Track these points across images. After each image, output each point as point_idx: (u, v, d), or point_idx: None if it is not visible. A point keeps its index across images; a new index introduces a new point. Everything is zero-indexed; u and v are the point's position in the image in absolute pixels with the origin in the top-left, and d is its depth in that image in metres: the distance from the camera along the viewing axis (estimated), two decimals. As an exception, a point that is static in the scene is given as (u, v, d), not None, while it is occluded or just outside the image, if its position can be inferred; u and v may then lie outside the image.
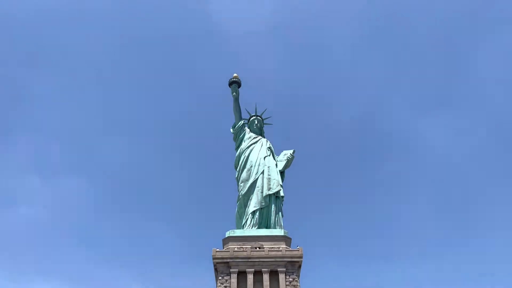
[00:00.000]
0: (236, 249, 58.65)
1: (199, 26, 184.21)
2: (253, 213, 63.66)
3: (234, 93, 71.32)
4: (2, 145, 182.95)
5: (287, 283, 56.25)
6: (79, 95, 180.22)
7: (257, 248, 58.88)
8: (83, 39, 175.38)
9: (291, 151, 70.21)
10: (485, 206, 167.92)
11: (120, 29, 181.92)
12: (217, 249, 59.51)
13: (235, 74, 71.90)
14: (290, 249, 59.54)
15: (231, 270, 56.89)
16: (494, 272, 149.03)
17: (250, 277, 56.22)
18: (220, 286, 56.48)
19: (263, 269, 56.82)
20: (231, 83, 71.71)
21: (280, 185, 65.63)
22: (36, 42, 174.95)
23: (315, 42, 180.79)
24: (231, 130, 72.81)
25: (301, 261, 58.37)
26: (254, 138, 70.94)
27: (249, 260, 57.47)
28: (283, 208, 66.06)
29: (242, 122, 72.52)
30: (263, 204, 63.95)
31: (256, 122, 72.78)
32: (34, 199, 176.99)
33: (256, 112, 73.80)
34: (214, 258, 58.23)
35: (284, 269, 56.91)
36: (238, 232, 62.29)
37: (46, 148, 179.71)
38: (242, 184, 66.19)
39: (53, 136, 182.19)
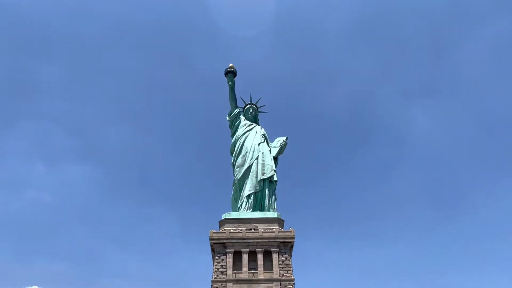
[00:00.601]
0: (232, 230, 60.83)
1: (198, 19, 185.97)
2: (248, 196, 65.77)
3: (230, 82, 72.40)
4: (10, 132, 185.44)
5: (280, 262, 58.58)
6: (83, 85, 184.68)
7: (252, 230, 60.91)
8: (89, 32, 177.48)
9: (284, 138, 71.72)
10: (470, 189, 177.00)
11: (123, 25, 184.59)
12: (214, 231, 61.40)
13: (230, 64, 72.84)
14: (283, 230, 61.69)
15: (227, 250, 59.13)
16: (476, 250, 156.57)
17: (245, 257, 58.59)
18: (217, 265, 58.79)
19: (257, 249, 59.10)
20: (227, 73, 72.69)
21: (274, 170, 67.65)
22: (44, 34, 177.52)
23: (310, 35, 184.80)
24: (227, 117, 74.09)
25: (293, 241, 60.60)
26: (249, 125, 72.36)
27: (244, 240, 59.54)
28: (276, 192, 68.13)
29: (238, 110, 73.91)
30: (258, 188, 66.00)
31: (251, 110, 74.02)
32: (39, 184, 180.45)
33: (251, 100, 74.99)
34: (211, 239, 60.19)
35: (277, 249, 59.22)
36: (234, 215, 64.44)
37: (51, 135, 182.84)
38: (237, 169, 68.01)
39: (58, 123, 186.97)
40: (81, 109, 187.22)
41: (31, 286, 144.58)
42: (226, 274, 57.57)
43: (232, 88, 73.04)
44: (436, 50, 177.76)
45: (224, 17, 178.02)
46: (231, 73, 72.63)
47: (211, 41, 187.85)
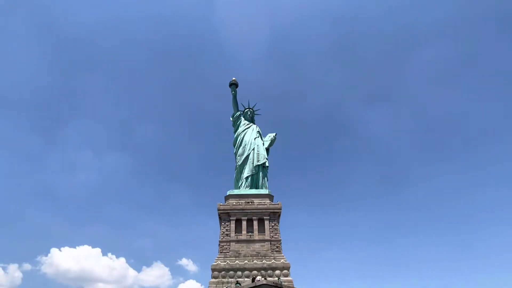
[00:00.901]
0: (234, 203, 69.53)
1: (209, 40, 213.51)
2: (247, 178, 74.39)
3: (233, 92, 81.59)
4: (64, 128, 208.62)
5: (270, 227, 67.84)
6: (120, 90, 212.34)
7: (249, 203, 69.75)
8: (123, 50, 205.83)
9: (274, 134, 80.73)
10: (410, 170, 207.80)
11: (151, 46, 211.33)
12: (221, 204, 69.96)
13: (233, 78, 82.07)
14: (273, 203, 70.37)
15: (230, 218, 67.93)
16: (413, 215, 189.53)
17: (244, 223, 67.69)
18: (223, 229, 67.85)
19: (253, 217, 68.05)
20: (230, 84, 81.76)
21: (266, 158, 76.62)
22: (87, 50, 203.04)
23: (294, 53, 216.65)
24: (231, 118, 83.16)
25: (280, 211, 69.29)
26: (248, 124, 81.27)
27: (243, 211, 68.39)
28: (268, 175, 76.83)
29: (239, 112, 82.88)
30: (254, 171, 74.90)
31: (249, 113, 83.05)
32: (88, 167, 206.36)
33: (249, 105, 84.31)
34: (218, 210, 68.91)
35: (268, 217, 68.32)
36: (236, 192, 72.51)
37: (96, 130, 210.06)
38: (238, 158, 76.77)
39: (101, 122, 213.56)
40: (118, 110, 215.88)
41: (82, 245, 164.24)
42: (230, 236, 66.16)
43: (234, 96, 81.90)
44: (388, 66, 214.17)
45: (230, 40, 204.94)
46: (233, 85, 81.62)
47: (219, 58, 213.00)
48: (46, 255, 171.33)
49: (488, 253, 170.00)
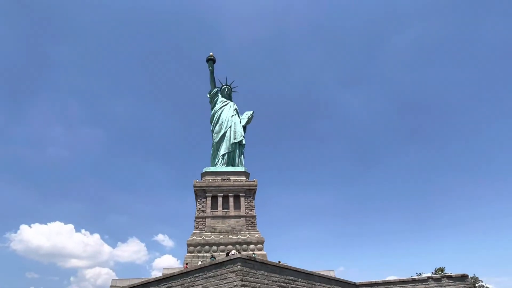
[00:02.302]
0: (210, 180, 70.52)
1: (187, 15, 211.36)
2: (223, 155, 75.31)
3: (210, 68, 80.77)
4: (32, 101, 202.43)
5: (246, 203, 69.37)
6: (93, 62, 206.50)
7: (225, 180, 70.79)
8: (99, 19, 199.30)
9: (251, 112, 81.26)
10: (383, 150, 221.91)
11: (130, 17, 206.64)
12: (197, 180, 70.73)
13: (211, 53, 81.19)
14: (249, 180, 71.99)
15: (206, 195, 68.87)
16: (385, 193, 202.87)
17: (220, 200, 68.77)
18: (199, 206, 68.55)
19: (229, 194, 69.25)
20: (207, 60, 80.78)
21: (243, 136, 77.37)
22: (58, 19, 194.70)
23: (273, 34, 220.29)
24: (208, 95, 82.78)
25: (256, 188, 71.17)
26: (225, 101, 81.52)
27: (220, 188, 69.45)
28: (244, 152, 78.00)
29: (216, 89, 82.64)
30: (230, 149, 75.64)
31: (226, 90, 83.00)
32: (58, 142, 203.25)
33: (226, 82, 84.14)
34: (194, 187, 69.57)
35: (244, 194, 69.84)
36: (212, 169, 73.52)
37: (67, 104, 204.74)
38: (215, 135, 77.27)
39: (72, 95, 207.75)
40: (91, 83, 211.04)
41: (54, 221, 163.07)
42: (206, 212, 67.08)
43: (212, 72, 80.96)
44: (363, 50, 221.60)
45: (208, 17, 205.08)
46: (211, 60, 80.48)
47: (197, 33, 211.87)
48: (15, 232, 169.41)
49: (453, 225, 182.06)
